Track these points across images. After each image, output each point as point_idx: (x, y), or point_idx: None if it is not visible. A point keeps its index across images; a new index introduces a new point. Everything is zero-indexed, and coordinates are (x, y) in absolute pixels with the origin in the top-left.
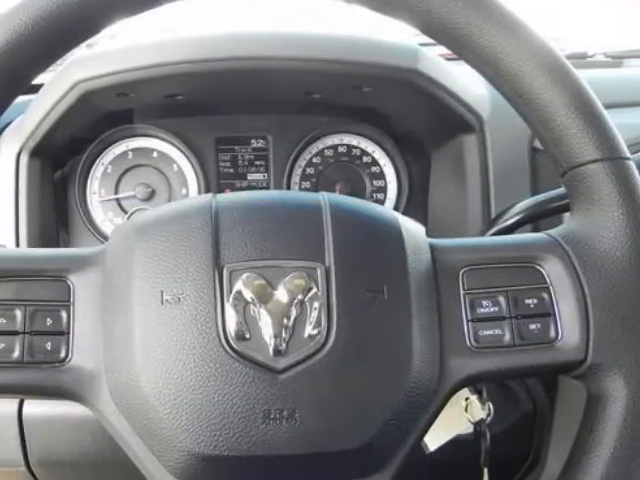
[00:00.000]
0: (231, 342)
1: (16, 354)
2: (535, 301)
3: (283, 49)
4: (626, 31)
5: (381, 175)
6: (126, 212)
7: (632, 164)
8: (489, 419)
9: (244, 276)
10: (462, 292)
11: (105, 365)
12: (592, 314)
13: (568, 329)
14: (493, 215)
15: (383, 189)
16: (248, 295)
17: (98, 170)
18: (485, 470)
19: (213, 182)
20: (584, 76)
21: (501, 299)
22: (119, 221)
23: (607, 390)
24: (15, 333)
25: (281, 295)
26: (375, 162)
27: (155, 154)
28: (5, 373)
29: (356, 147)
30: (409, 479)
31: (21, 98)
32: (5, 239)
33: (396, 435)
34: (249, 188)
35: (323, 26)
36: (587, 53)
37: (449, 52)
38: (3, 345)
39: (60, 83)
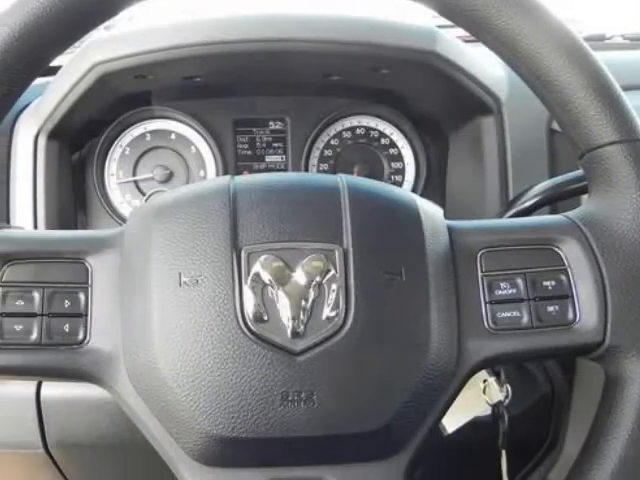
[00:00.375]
0: (249, 324)
1: (34, 336)
2: (553, 283)
3: (301, 31)
4: None
5: (399, 157)
6: (144, 194)
7: None
8: (507, 401)
9: (262, 258)
10: (480, 274)
11: (123, 347)
12: (610, 296)
13: (586, 311)
14: (511, 197)
15: (401, 171)
16: (266, 277)
17: (116, 152)
18: (503, 452)
19: (231, 164)
20: (602, 58)
21: (519, 281)
22: (137, 203)
23: (625, 372)
24: (33, 315)
25: (299, 277)
26: (393, 144)
27: (173, 136)
28: (23, 355)
29: (374, 129)
30: (427, 461)
31: (39, 80)
32: (23, 221)
33: (414, 417)
34: (267, 170)
35: (341, 8)
36: (605, 35)
37: (467, 34)
38: (21, 327)
39: (78, 65)
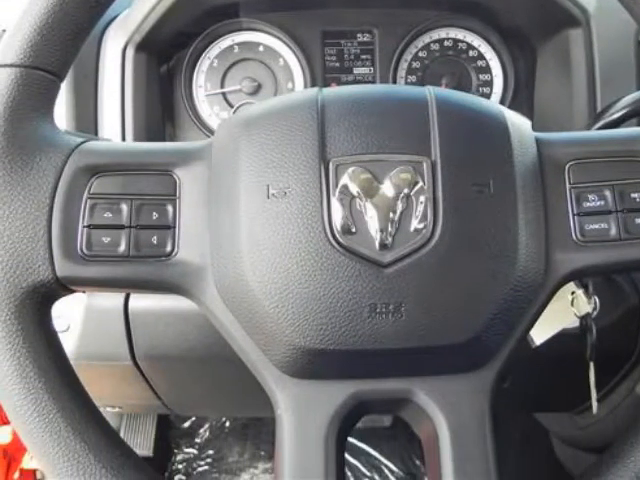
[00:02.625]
0: (337, 236)
1: (122, 248)
2: None
3: None
4: None
5: (487, 69)
6: (232, 106)
7: None
8: (595, 313)
9: (350, 170)
10: (568, 186)
11: (211, 259)
12: None
13: None
14: (599, 109)
15: (489, 83)
16: (354, 189)
17: (204, 64)
18: (591, 364)
19: (319, 76)
20: None
21: (607, 193)
22: (225, 115)
23: None
24: (121, 227)
25: (387, 189)
26: (481, 56)
27: (261, 48)
28: (111, 267)
29: (462, 41)
30: (515, 373)
31: None
32: (111, 133)
33: (502, 329)
34: (355, 82)
35: None
36: None
37: None
38: (109, 239)
39: None
